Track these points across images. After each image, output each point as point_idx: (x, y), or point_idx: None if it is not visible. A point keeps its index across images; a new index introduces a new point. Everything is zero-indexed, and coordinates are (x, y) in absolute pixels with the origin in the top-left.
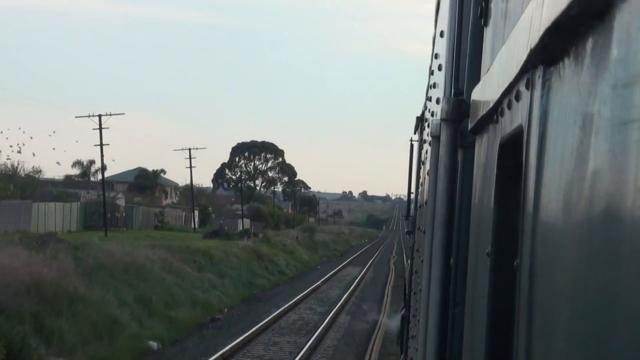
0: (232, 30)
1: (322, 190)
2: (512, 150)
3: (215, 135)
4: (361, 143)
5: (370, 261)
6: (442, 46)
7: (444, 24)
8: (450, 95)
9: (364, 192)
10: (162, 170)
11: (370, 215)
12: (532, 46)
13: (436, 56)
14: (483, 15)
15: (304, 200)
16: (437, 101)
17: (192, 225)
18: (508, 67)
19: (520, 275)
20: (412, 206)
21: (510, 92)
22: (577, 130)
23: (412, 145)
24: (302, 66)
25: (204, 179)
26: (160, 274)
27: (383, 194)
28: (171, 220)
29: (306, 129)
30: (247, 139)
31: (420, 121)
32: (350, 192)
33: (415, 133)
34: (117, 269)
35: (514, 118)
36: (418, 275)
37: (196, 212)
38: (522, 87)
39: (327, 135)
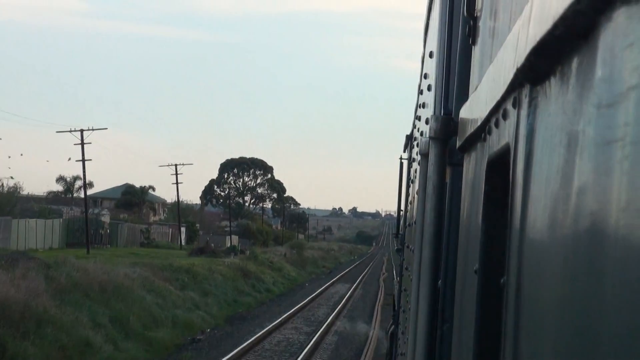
0: (221, 45)
1: (311, 207)
2: (500, 168)
3: (204, 151)
4: (351, 159)
5: (360, 278)
6: (431, 66)
7: (433, 44)
8: (440, 114)
9: (354, 209)
10: (151, 187)
11: (360, 232)
12: (519, 65)
13: (425, 76)
14: (471, 34)
15: (294, 217)
16: (427, 121)
17: (179, 242)
18: (495, 85)
19: (507, 292)
20: (402, 224)
21: (497, 111)
22: (562, 149)
23: (401, 163)
24: (292, 82)
25: (193, 196)
26: (140, 293)
27: (373, 210)
28: (158, 237)
29: (295, 145)
30: (236, 155)
31: (410, 140)
32: (340, 209)
33: (404, 151)
34: (93, 288)
35: (502, 136)
36: (407, 293)
37: (183, 229)
38: (509, 106)
39: (317, 151)
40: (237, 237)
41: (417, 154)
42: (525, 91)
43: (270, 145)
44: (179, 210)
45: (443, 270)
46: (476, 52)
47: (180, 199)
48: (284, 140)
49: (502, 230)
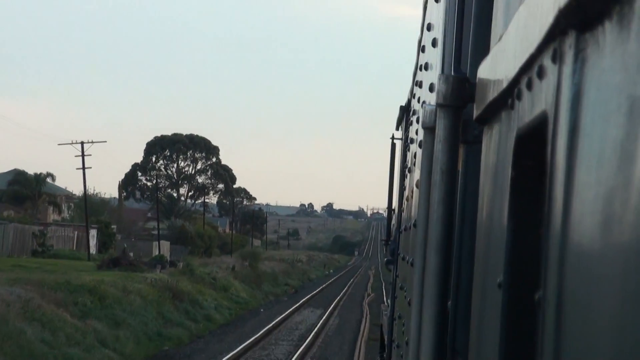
0: None
1: (272, 203)
2: (533, 145)
3: (126, 127)
4: (326, 141)
5: (336, 301)
6: (437, 13)
7: None
8: (451, 73)
9: (329, 206)
10: (49, 175)
11: (337, 237)
12: (562, 5)
13: (428, 27)
14: None
15: (247, 216)
16: (430, 87)
17: (87, 250)
18: (528, 33)
19: (544, 312)
20: (394, 227)
21: (530, 68)
22: (622, 119)
23: (393, 145)
24: (241, 34)
25: (110, 187)
26: (18, 324)
27: (355, 208)
28: (59, 243)
29: (250, 122)
30: (168, 132)
31: (406, 113)
32: (311, 205)
33: (398, 128)
34: None
35: (536, 102)
36: (403, 320)
37: (94, 232)
38: (546, 61)
39: (279, 130)
40: (168, 243)
41: (416, 132)
42: (570, 40)
43: (216, 121)
44: (86, 205)
45: (454, 285)
46: None
47: (92, 191)
48: (235, 114)
49: (536, 230)
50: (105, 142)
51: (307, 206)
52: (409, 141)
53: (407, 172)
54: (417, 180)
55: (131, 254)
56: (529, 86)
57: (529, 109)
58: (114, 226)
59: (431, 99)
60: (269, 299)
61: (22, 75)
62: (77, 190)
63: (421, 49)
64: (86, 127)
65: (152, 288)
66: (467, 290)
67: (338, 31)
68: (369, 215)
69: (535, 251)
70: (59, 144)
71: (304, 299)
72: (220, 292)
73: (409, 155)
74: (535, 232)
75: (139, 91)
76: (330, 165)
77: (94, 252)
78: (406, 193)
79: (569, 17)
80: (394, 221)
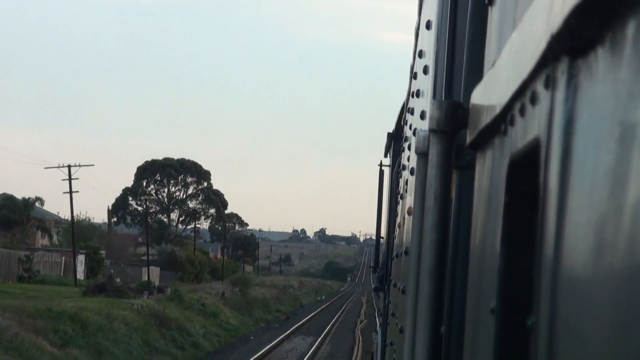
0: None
1: (265, 229)
2: (526, 171)
3: (115, 151)
4: (318, 166)
5: (328, 328)
6: (428, 40)
7: (431, 9)
8: (442, 98)
9: (322, 231)
10: (38, 199)
11: (329, 263)
12: (554, 31)
13: (420, 54)
14: None
15: (239, 242)
16: (422, 115)
17: (74, 276)
18: (521, 59)
19: (537, 338)
20: (383, 254)
21: (523, 94)
22: (613, 145)
23: (381, 172)
24: (234, 58)
25: (100, 212)
26: None
27: (347, 234)
28: (46, 269)
29: (242, 148)
30: (159, 156)
31: (393, 139)
32: (303, 231)
33: (386, 155)
34: None
35: (529, 128)
36: (394, 347)
37: (82, 258)
38: (539, 87)
39: (272, 156)
40: (158, 268)
41: (408, 159)
42: (563, 66)
43: (207, 146)
44: (73, 230)
45: (447, 310)
46: (494, 14)
47: (82, 216)
48: (227, 140)
49: (529, 255)
50: (93, 165)
51: (299, 232)
52: (400, 167)
53: (399, 198)
54: (409, 207)
55: (118, 280)
56: (522, 112)
57: (521, 135)
58: (102, 251)
59: (423, 125)
60: (260, 325)
61: (11, 100)
62: (66, 214)
63: (413, 75)
64: (76, 152)
65: (137, 315)
66: (461, 316)
67: (330, 56)
68: (361, 241)
69: (528, 277)
70: (45, 168)
71: (295, 326)
72: (209, 319)
73: (401, 182)
74: (528, 257)
75: (129, 115)
76: (322, 191)
77: (82, 278)
78: (398, 219)
79: (561, 43)
80: (383, 248)
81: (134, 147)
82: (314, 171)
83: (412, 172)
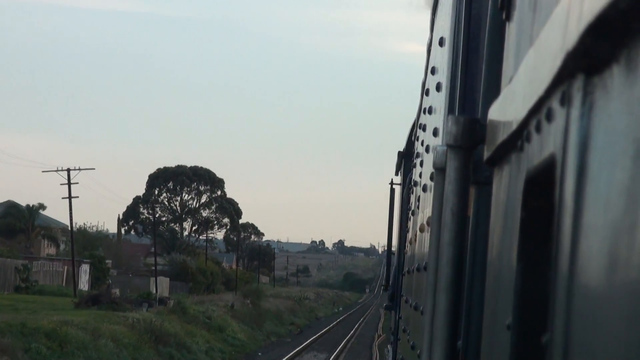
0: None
1: (283, 240)
2: (542, 187)
3: (127, 158)
4: (337, 178)
5: (344, 343)
6: (441, 57)
7: (445, 26)
8: (461, 114)
9: (340, 242)
10: (41, 206)
11: (348, 274)
12: (570, 48)
13: (433, 71)
14: (505, 6)
15: (255, 252)
16: (434, 132)
17: (74, 286)
18: (537, 76)
19: (552, 354)
20: (394, 270)
21: (539, 110)
22: (628, 162)
23: (392, 190)
24: (251, 68)
25: (111, 221)
26: None
27: (366, 245)
28: (47, 279)
29: (260, 157)
30: (172, 164)
31: (404, 158)
32: (322, 242)
33: (397, 174)
34: None
35: (545, 144)
36: None
37: (86, 267)
38: (555, 104)
39: (290, 165)
40: (167, 279)
41: (420, 176)
42: (578, 83)
43: (224, 156)
44: (72, 237)
45: (464, 327)
46: (511, 31)
47: (91, 225)
48: (242, 147)
49: (545, 271)
50: (94, 169)
51: (318, 243)
52: (412, 184)
53: (410, 215)
54: (422, 224)
55: (117, 291)
56: (538, 129)
57: (537, 151)
58: (108, 261)
59: (435, 142)
60: (271, 340)
61: (17, 105)
62: (74, 223)
63: (425, 91)
64: (86, 159)
65: (130, 330)
66: (477, 332)
67: (349, 67)
68: (380, 252)
69: (543, 293)
70: (43, 171)
71: (308, 340)
72: (214, 333)
73: (412, 199)
74: (544, 274)
75: (141, 121)
76: (341, 202)
77: (86, 288)
78: (409, 236)
79: (577, 61)
80: (394, 265)
81: (147, 154)
82: (333, 182)
83: (424, 189)
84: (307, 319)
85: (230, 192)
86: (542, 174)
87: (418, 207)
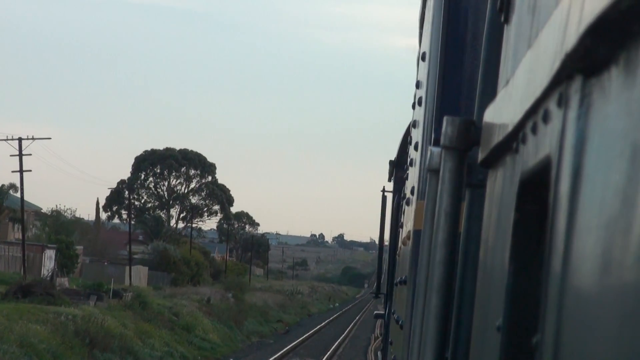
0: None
1: (283, 232)
2: (537, 189)
3: (112, 140)
4: (338, 170)
5: (334, 347)
6: (423, 72)
7: (425, 42)
8: (435, 120)
9: (340, 236)
10: (12, 186)
11: (347, 268)
12: (569, 49)
13: (417, 85)
14: (504, 8)
15: (249, 243)
16: (415, 146)
17: (24, 273)
18: (534, 77)
19: (541, 356)
20: (385, 279)
21: (535, 112)
22: (625, 165)
23: (384, 198)
24: (253, 54)
25: (91, 206)
26: None
27: (366, 240)
28: (6, 265)
29: (255, 143)
30: (160, 146)
31: (395, 167)
32: (322, 236)
33: (389, 180)
34: None
35: (540, 146)
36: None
37: (50, 253)
38: (552, 105)
39: (292, 157)
40: (146, 268)
41: (410, 192)
42: (576, 85)
43: (215, 139)
44: (22, 217)
45: (454, 328)
46: (509, 33)
47: (66, 208)
48: (237, 132)
49: (537, 273)
50: (50, 138)
51: (317, 236)
52: (402, 197)
53: (400, 227)
54: (404, 238)
55: (65, 280)
56: (534, 130)
57: (533, 153)
58: (79, 247)
59: (416, 156)
60: (250, 341)
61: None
62: (49, 207)
63: (412, 105)
64: (67, 138)
65: (53, 330)
66: (467, 333)
67: (350, 60)
68: (377, 254)
69: (534, 295)
70: None
71: (294, 342)
72: (178, 334)
73: (404, 211)
74: (535, 276)
75: (130, 103)
76: (342, 197)
77: (56, 274)
78: (399, 249)
79: (575, 62)
80: (385, 273)
81: (133, 137)
82: (334, 176)
83: (407, 202)
84: (298, 316)
85: (224, 179)
86: (537, 176)
87: (409, 218)
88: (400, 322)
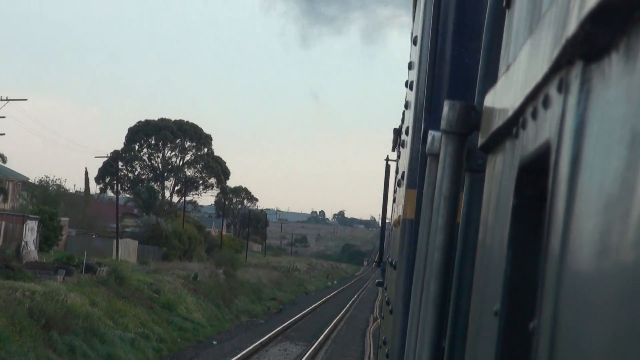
0: None
1: (283, 209)
2: (536, 174)
3: (105, 111)
4: (340, 149)
5: (329, 328)
6: (414, 55)
7: (417, 26)
8: (425, 106)
9: (341, 213)
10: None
11: (347, 245)
12: (570, 35)
13: (410, 66)
14: None
15: (247, 219)
16: (406, 131)
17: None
18: (534, 63)
19: (538, 341)
20: (387, 248)
21: (536, 97)
22: (624, 150)
23: (387, 167)
24: (252, 17)
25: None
26: None
27: (367, 217)
28: None
29: (255, 117)
30: (155, 117)
31: (399, 135)
32: (322, 213)
33: (394, 150)
34: None
35: (540, 131)
36: (388, 348)
37: (32, 224)
38: (552, 90)
39: (294, 134)
40: (136, 242)
41: (401, 176)
42: (576, 70)
43: (212, 111)
44: None
45: (452, 312)
46: (511, 18)
47: (56, 179)
48: (235, 105)
49: (535, 258)
50: (26, 100)
51: (318, 213)
52: (396, 169)
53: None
54: (395, 220)
55: (34, 252)
56: (534, 115)
57: (533, 138)
58: (64, 218)
59: (407, 139)
60: (240, 321)
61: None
62: (38, 177)
63: (408, 85)
64: (61, 106)
65: (2, 310)
66: (465, 318)
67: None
68: (380, 224)
69: (532, 280)
70: None
71: (287, 322)
72: (157, 313)
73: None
74: (533, 261)
75: (123, 70)
76: (343, 174)
77: (33, 249)
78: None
79: (576, 47)
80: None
81: (127, 107)
82: (336, 153)
83: (399, 184)
84: (294, 294)
85: (221, 152)
86: (537, 161)
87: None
88: (390, 307)
